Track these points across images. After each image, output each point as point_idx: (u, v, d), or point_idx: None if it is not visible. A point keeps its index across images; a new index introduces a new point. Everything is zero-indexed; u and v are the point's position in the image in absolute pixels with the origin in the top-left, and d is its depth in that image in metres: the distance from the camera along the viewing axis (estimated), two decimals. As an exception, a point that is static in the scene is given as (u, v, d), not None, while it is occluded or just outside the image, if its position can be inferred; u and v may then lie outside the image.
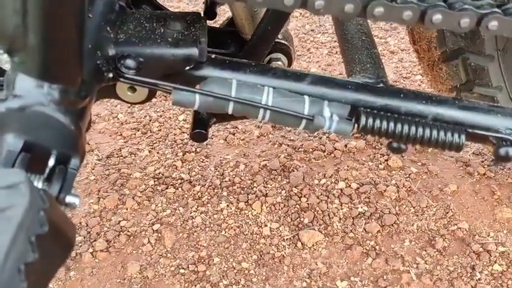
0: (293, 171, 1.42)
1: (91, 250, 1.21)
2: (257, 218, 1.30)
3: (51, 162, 0.65)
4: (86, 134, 0.72)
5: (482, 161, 1.47)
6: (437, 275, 1.17)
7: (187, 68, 0.76)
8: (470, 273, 1.18)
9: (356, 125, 0.78)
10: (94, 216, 1.30)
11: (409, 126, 0.77)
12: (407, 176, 1.42)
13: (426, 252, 1.22)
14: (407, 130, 0.77)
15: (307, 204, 1.33)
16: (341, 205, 1.33)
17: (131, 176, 1.42)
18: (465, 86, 1.16)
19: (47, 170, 0.65)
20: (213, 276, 1.16)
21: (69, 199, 0.64)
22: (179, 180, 1.40)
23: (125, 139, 1.56)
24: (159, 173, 1.43)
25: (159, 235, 1.26)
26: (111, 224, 1.28)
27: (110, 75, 0.71)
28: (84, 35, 0.62)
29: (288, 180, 1.40)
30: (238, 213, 1.31)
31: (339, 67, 1.91)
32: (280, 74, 0.80)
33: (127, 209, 1.32)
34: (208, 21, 0.84)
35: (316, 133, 1.54)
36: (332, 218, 1.29)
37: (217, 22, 1.22)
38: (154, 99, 1.53)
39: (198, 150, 1.51)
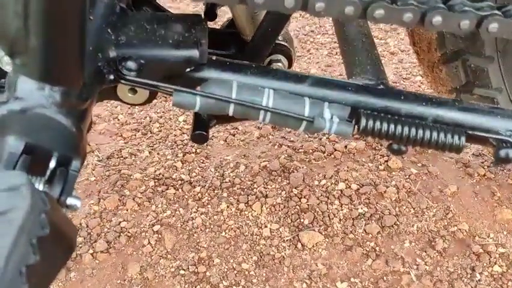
0: (293, 172, 1.43)
1: (91, 251, 1.21)
2: (257, 219, 1.30)
3: (52, 164, 0.65)
4: (86, 136, 0.72)
5: (482, 162, 1.47)
6: (437, 276, 1.17)
7: (188, 69, 0.77)
8: (470, 274, 1.18)
9: (356, 127, 0.78)
10: (94, 217, 1.30)
11: (409, 128, 0.77)
12: (407, 177, 1.42)
13: (426, 253, 1.22)
14: (407, 132, 0.77)
15: (308, 205, 1.33)
16: (341, 206, 1.33)
17: (132, 177, 1.42)
18: (465, 87, 1.16)
19: (48, 172, 0.65)
20: (213, 277, 1.16)
21: (70, 201, 0.64)
22: (180, 181, 1.40)
23: (125, 140, 1.56)
24: (159, 174, 1.43)
25: (159, 236, 1.26)
26: (111, 225, 1.28)
27: (111, 77, 0.72)
28: (85, 37, 0.62)
29: (288, 181, 1.40)
30: (239, 214, 1.32)
31: (339, 68, 1.91)
32: (280, 76, 0.80)
33: (127, 210, 1.32)
34: (208, 22, 0.84)
35: (316, 134, 1.54)
36: (332, 219, 1.30)
37: (217, 23, 1.22)
38: (154, 100, 1.53)
39: (198, 151, 1.51)
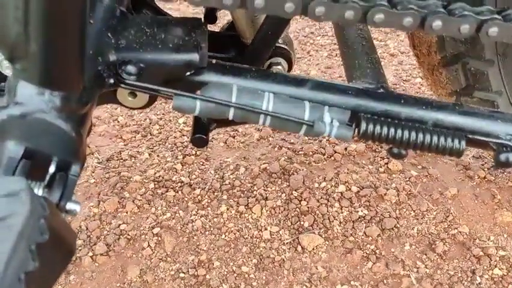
0: (293, 174, 1.42)
1: (90, 254, 1.21)
2: (257, 221, 1.30)
3: (52, 169, 0.65)
4: (86, 139, 0.72)
5: (483, 165, 1.47)
6: (438, 279, 1.17)
7: (188, 73, 0.77)
8: (471, 277, 1.18)
9: (356, 131, 0.78)
10: (94, 220, 1.30)
11: (409, 132, 0.77)
12: (407, 179, 1.42)
13: (426, 256, 1.22)
14: (407, 136, 0.77)
15: (308, 207, 1.33)
16: (341, 208, 1.33)
17: (131, 179, 1.42)
18: (465, 90, 1.16)
19: (48, 177, 0.65)
20: (213, 280, 1.16)
21: (70, 206, 0.64)
22: (179, 184, 1.40)
23: (125, 142, 1.56)
24: (159, 176, 1.43)
25: (159, 239, 1.26)
26: (111, 228, 1.28)
27: (111, 81, 0.72)
28: (85, 42, 0.62)
29: (288, 184, 1.40)
30: (238, 216, 1.31)
31: (338, 70, 1.91)
32: (280, 80, 0.80)
33: (127, 213, 1.32)
34: (208, 25, 0.84)
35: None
36: (332, 221, 1.29)
37: (217, 25, 1.22)
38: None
39: (198, 153, 1.51)
